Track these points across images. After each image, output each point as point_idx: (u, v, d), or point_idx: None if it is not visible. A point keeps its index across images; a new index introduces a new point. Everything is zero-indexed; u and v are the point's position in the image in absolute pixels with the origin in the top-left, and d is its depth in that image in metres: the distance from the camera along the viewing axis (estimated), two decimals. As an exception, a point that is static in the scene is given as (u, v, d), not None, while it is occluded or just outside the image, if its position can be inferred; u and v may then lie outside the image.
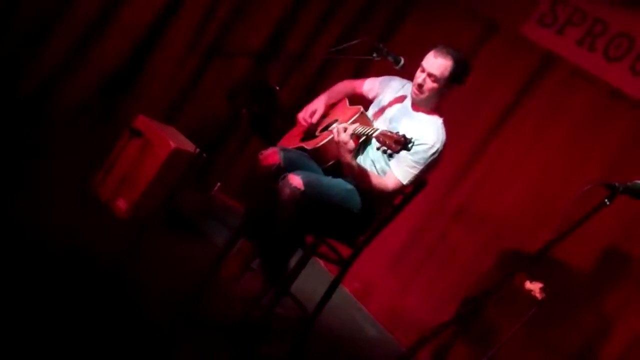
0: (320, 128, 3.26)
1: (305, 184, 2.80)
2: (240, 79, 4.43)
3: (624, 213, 3.47)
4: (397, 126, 3.02)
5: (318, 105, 3.32)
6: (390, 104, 3.17)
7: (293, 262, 3.12)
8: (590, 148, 3.99)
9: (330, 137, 3.01)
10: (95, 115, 4.31)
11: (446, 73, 2.94)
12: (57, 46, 4.03)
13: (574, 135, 4.09)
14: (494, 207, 4.25)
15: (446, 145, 2.99)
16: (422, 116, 3.05)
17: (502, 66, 4.47)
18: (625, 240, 3.73)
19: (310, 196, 2.80)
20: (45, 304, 2.56)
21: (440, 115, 3.06)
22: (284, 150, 3.04)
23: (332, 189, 2.94)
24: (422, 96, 3.00)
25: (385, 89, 3.23)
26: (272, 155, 2.99)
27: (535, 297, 3.22)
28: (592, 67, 4.13)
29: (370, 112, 3.18)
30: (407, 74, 3.11)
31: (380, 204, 3.10)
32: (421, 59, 3.00)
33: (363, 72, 4.49)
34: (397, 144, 2.61)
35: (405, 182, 2.95)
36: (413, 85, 3.03)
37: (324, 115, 3.32)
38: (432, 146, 2.94)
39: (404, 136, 2.61)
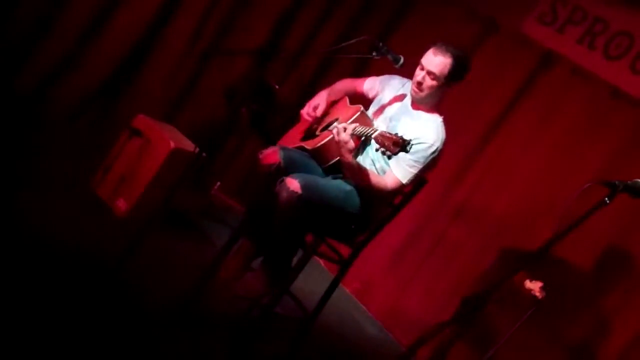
0: (320, 127, 3.25)
1: (303, 187, 2.79)
2: (238, 77, 4.43)
3: (624, 211, 3.47)
4: (397, 125, 3.02)
5: (320, 100, 3.32)
6: (390, 103, 3.16)
7: (293, 262, 3.12)
8: (590, 146, 3.99)
9: (330, 137, 3.00)
10: (94, 115, 4.30)
11: (445, 71, 2.94)
12: (56, 45, 4.02)
13: (573, 134, 4.08)
14: (493, 206, 4.24)
15: (446, 144, 2.99)
16: (422, 115, 3.04)
17: (502, 65, 4.46)
18: (625, 238, 3.73)
19: (308, 199, 2.80)
20: (45, 304, 2.56)
21: (441, 114, 3.05)
22: (283, 149, 3.04)
23: (330, 191, 2.94)
24: (422, 94, 3.00)
25: (385, 88, 3.23)
26: (272, 155, 2.99)
27: (535, 296, 3.22)
28: (592, 66, 4.12)
29: (370, 111, 3.18)
30: (407, 72, 3.11)
31: (380, 204, 3.09)
32: (421, 58, 2.99)
33: (362, 70, 4.49)
34: (396, 145, 2.61)
35: (404, 181, 2.94)
36: (412, 83, 3.02)
37: (325, 115, 3.32)
38: (432, 145, 2.93)
39: (402, 138, 2.61)
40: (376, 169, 3.03)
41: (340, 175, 3.07)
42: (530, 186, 4.14)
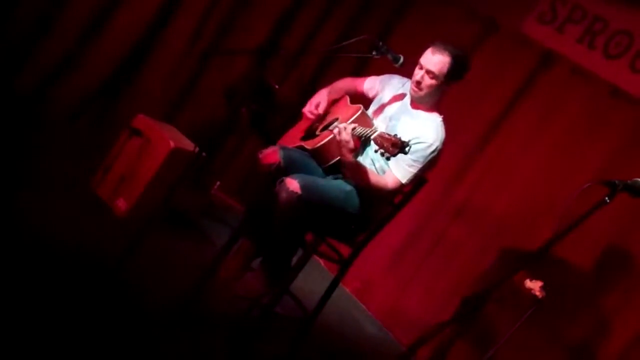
0: (320, 127, 3.25)
1: (303, 187, 2.79)
2: (238, 77, 4.43)
3: (624, 211, 3.46)
4: (396, 124, 3.02)
5: (321, 97, 3.33)
6: (390, 102, 3.16)
7: (293, 261, 3.12)
8: (590, 146, 3.99)
9: (330, 137, 3.00)
10: (94, 115, 4.30)
11: (444, 70, 2.94)
12: (56, 45, 4.03)
13: (573, 133, 4.08)
14: (493, 206, 4.24)
15: (446, 143, 2.99)
16: (421, 114, 3.04)
17: (502, 64, 4.46)
18: (625, 238, 3.73)
19: (308, 199, 2.80)
20: (45, 304, 2.56)
21: (440, 113, 3.05)
22: (283, 149, 3.04)
23: (330, 192, 2.94)
24: (421, 93, 2.99)
25: (385, 87, 3.23)
26: (272, 154, 2.99)
27: (535, 295, 3.22)
28: (592, 65, 4.12)
29: (370, 111, 3.18)
30: (407, 72, 3.11)
31: (380, 203, 3.09)
32: (420, 57, 2.99)
33: (362, 70, 4.49)
34: (394, 147, 2.61)
35: (404, 180, 2.94)
36: (411, 83, 3.02)
37: (325, 114, 3.32)
38: (432, 144, 2.93)
39: (400, 139, 2.61)
40: (376, 168, 3.03)
41: (340, 175, 3.07)
42: (530, 186, 4.13)
